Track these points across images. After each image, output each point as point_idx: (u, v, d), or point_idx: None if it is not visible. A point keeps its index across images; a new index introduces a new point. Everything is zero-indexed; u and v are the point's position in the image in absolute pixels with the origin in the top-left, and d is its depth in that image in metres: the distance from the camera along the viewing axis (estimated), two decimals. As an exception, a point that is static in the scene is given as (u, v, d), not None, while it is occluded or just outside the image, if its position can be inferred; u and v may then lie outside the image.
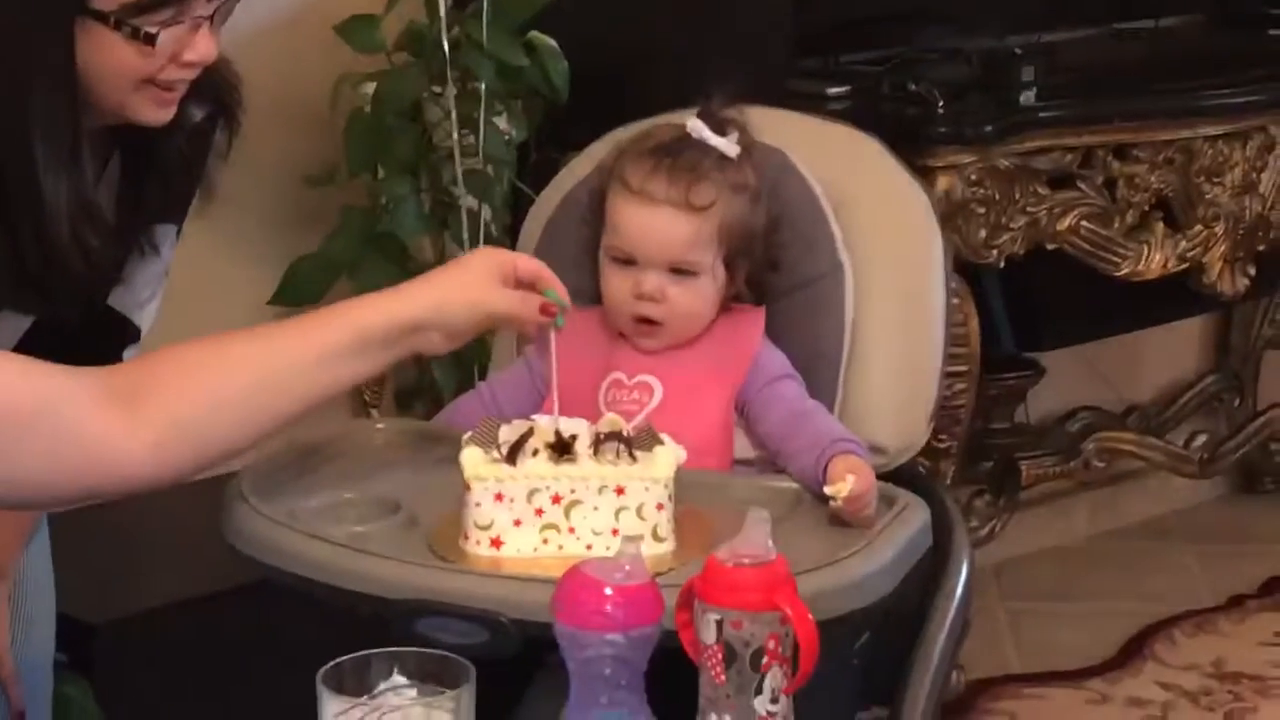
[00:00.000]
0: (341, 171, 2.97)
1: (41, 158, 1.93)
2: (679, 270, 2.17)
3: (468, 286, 1.92)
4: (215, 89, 2.10)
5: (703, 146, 2.19)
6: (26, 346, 2.07)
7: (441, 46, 2.84)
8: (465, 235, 2.87)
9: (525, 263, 1.98)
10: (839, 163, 2.33)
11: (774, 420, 2.15)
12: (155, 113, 2.00)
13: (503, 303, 1.94)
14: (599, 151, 2.36)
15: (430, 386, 3.01)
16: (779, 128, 2.30)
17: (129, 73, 1.95)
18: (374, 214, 2.99)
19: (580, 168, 2.38)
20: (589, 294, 2.25)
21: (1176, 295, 3.74)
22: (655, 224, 2.17)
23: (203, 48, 1.97)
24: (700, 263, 2.17)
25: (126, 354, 2.21)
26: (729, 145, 2.19)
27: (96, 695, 2.64)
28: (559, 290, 1.98)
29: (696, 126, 2.20)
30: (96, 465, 1.76)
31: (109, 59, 1.94)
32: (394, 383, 3.15)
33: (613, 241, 2.20)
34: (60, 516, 2.28)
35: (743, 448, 2.18)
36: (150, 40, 1.93)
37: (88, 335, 2.14)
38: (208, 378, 1.82)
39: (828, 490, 1.99)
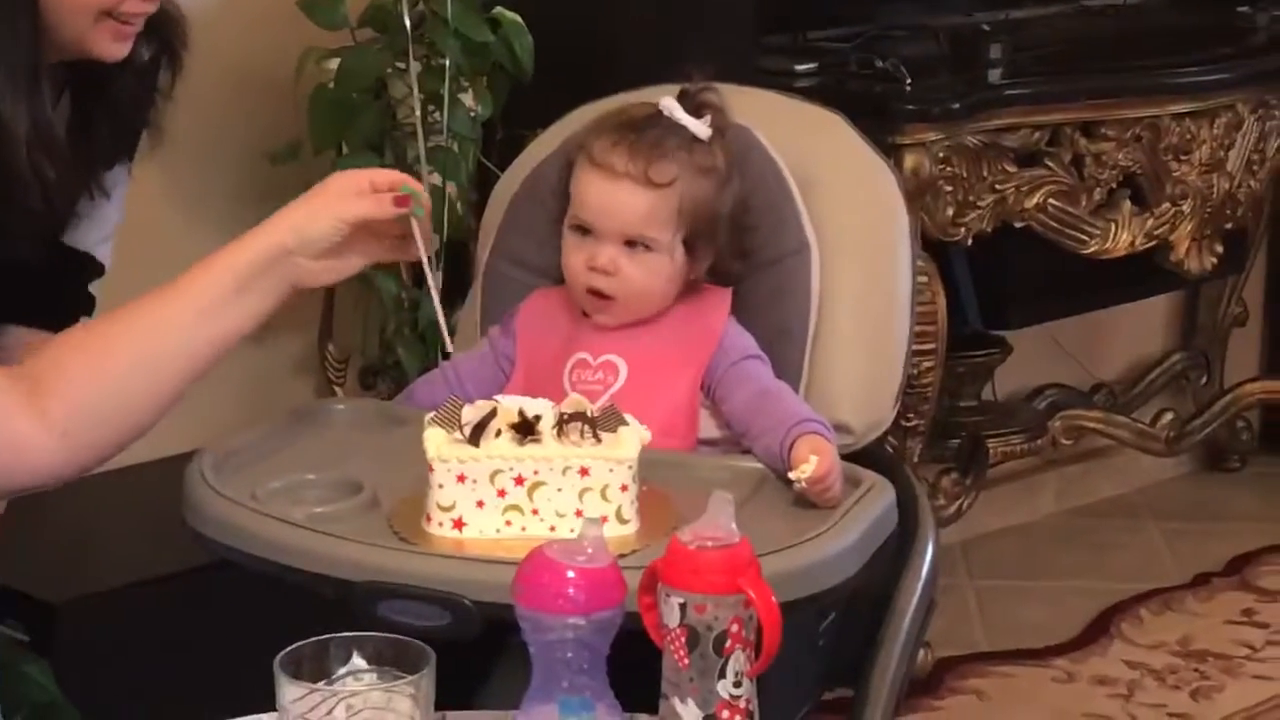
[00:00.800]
0: (305, 148, 2.95)
1: (1, 84, 1.92)
2: (634, 244, 2.16)
3: (323, 204, 1.92)
4: (162, 27, 2.10)
5: (672, 125, 2.18)
6: None
7: (405, 23, 2.82)
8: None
9: (381, 174, 1.97)
10: (805, 141, 2.31)
11: (739, 400, 2.13)
12: (112, 47, 2.00)
13: (358, 207, 1.92)
14: (564, 129, 2.34)
15: (394, 365, 2.99)
16: (745, 105, 2.29)
17: (90, 3, 1.95)
18: (338, 191, 2.96)
19: (545, 145, 2.37)
20: (557, 273, 2.24)
21: (1143, 273, 3.74)
22: (613, 196, 2.16)
23: None
24: (656, 239, 2.16)
25: (93, 288, 2.22)
26: (700, 126, 2.18)
27: (56, 674, 2.62)
28: (414, 184, 1.96)
29: (669, 105, 2.19)
30: (11, 461, 1.76)
31: None
32: (358, 362, 3.13)
33: (573, 211, 2.19)
34: (21, 497, 2.27)
35: (707, 428, 2.17)
36: None
37: (51, 273, 2.14)
38: (103, 359, 1.83)
39: (791, 474, 1.98)
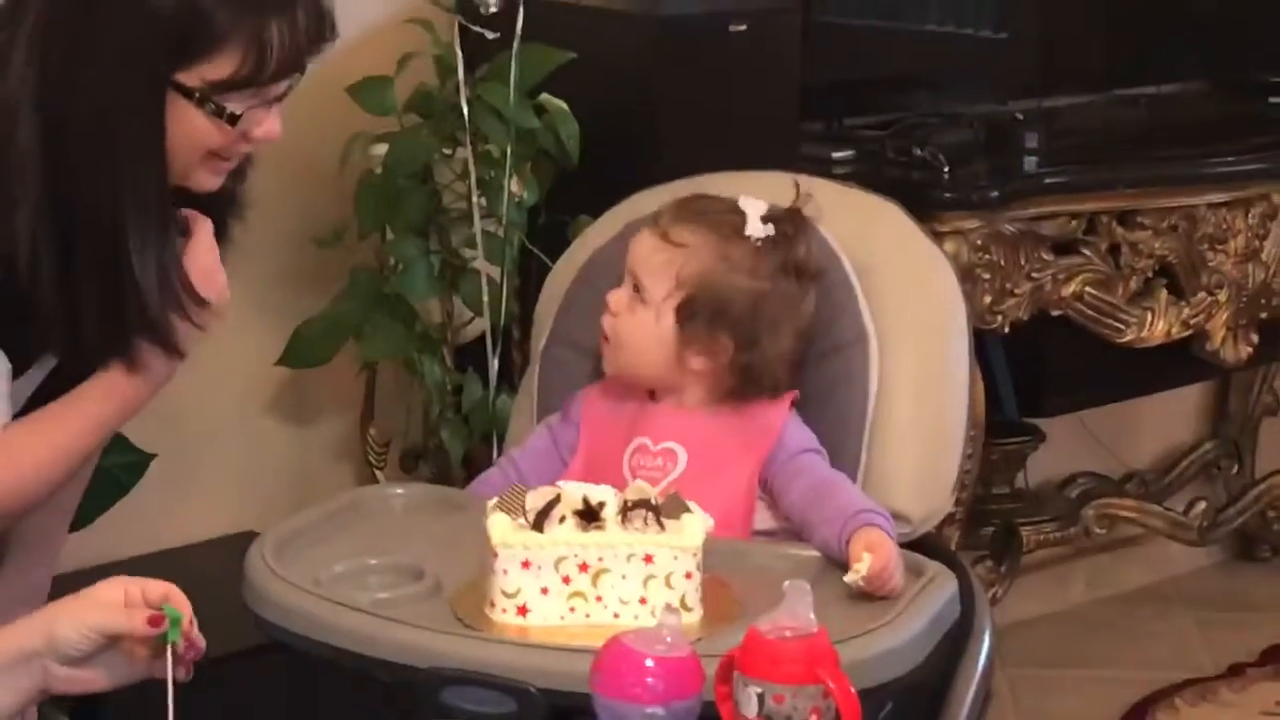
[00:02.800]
0: (351, 232, 2.96)
1: (133, 229, 1.95)
2: (637, 289, 2.21)
3: (77, 611, 1.79)
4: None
5: (730, 210, 2.19)
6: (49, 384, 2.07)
7: (457, 108, 2.83)
8: (485, 299, 2.85)
9: (155, 586, 1.81)
10: (862, 229, 2.33)
11: (798, 492, 2.13)
12: (211, 181, 2.04)
13: (110, 620, 1.77)
14: (621, 215, 2.37)
15: (437, 449, 2.99)
16: (801, 193, 2.30)
17: (201, 145, 1.99)
18: (382, 275, 2.97)
19: (602, 230, 2.39)
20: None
21: (1177, 361, 3.74)
22: (637, 239, 2.23)
23: (271, 126, 2.03)
24: (647, 289, 2.19)
25: None
26: (756, 226, 2.19)
27: (104, 759, 2.61)
28: (179, 606, 1.80)
29: (749, 201, 2.20)
30: None
31: (186, 132, 1.97)
32: (399, 445, 3.13)
33: None
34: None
35: (764, 519, 2.18)
36: (234, 120, 1.97)
37: None
38: None
39: (846, 578, 1.98)
